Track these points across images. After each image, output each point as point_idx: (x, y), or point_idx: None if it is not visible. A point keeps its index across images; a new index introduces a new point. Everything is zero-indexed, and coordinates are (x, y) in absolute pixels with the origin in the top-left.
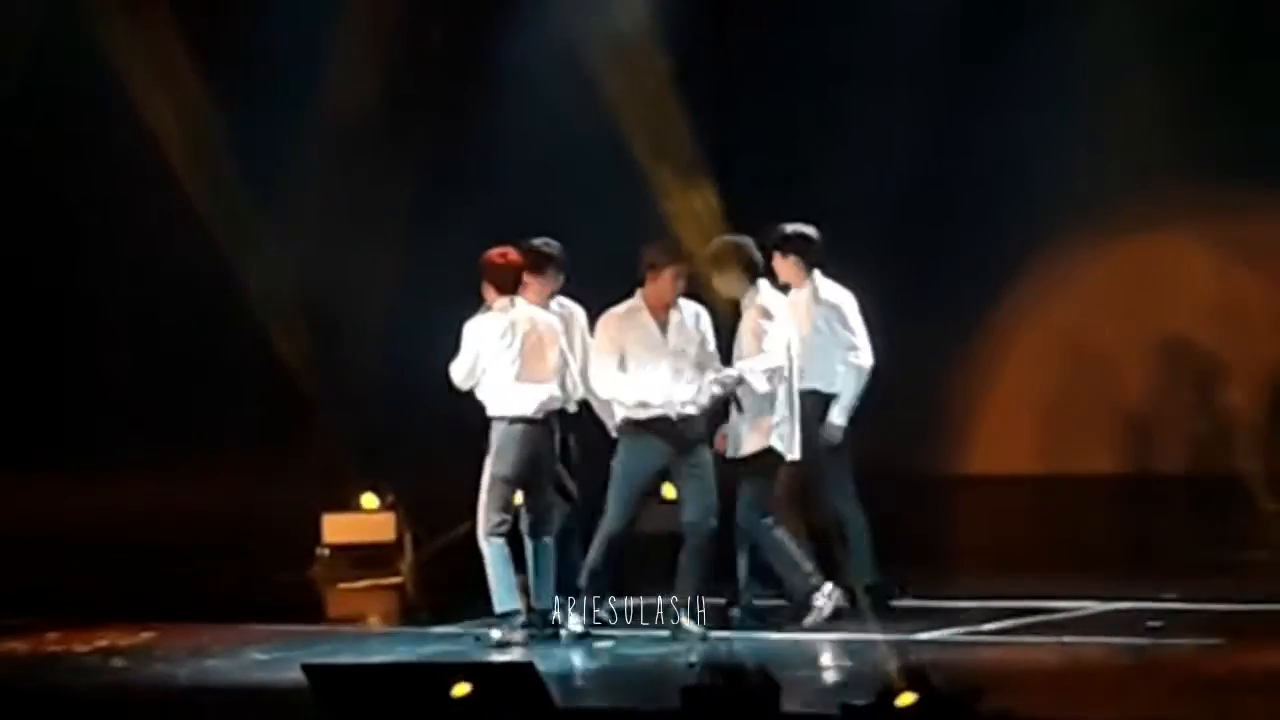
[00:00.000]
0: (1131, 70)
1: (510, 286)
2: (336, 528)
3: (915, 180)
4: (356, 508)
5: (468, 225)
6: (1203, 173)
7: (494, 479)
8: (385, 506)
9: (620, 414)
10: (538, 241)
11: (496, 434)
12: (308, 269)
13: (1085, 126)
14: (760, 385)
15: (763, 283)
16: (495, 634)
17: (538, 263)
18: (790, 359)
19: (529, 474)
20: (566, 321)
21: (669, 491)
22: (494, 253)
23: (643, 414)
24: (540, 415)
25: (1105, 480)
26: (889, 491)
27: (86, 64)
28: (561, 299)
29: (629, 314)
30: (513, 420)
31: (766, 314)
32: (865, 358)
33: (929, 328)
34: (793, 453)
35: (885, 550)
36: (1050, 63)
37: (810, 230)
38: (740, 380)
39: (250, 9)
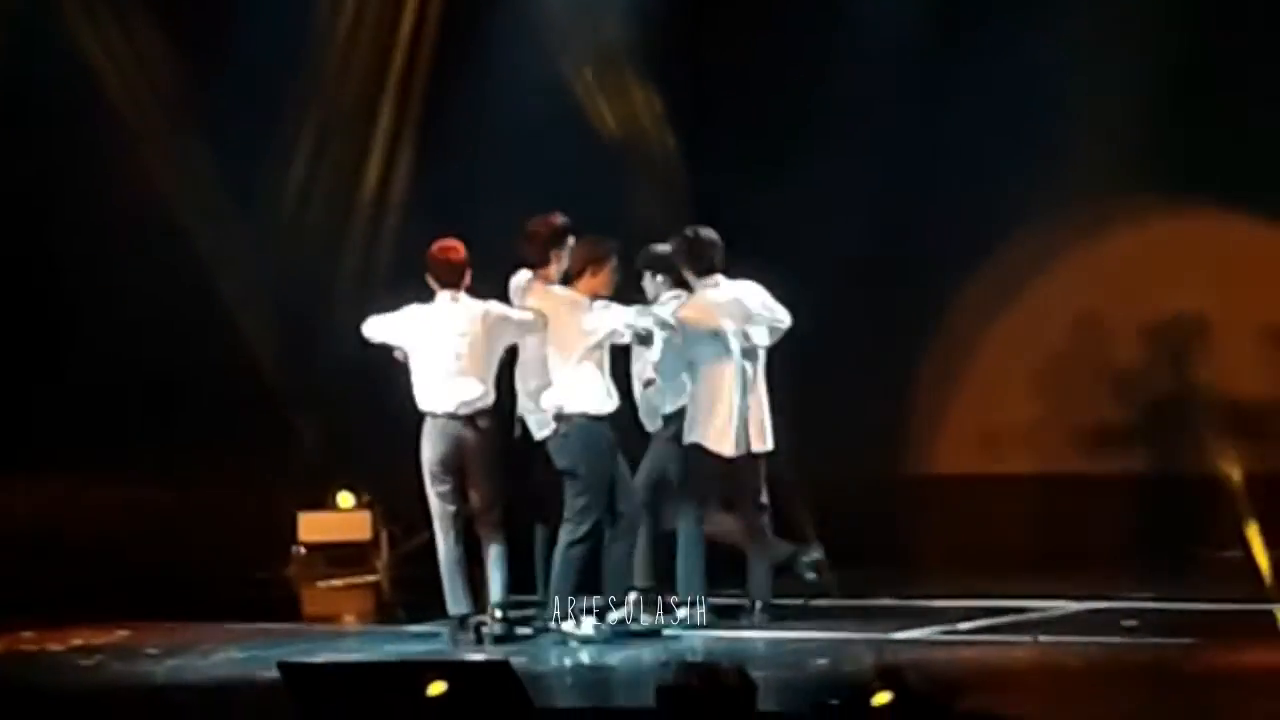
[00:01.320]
0: (1099, 73)
1: (454, 281)
2: (312, 526)
3: (885, 182)
4: (332, 506)
5: (445, 224)
6: (1169, 179)
7: (426, 474)
8: (361, 505)
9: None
10: (595, 238)
11: (425, 427)
12: (282, 269)
13: (1059, 123)
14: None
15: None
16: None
17: (601, 254)
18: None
19: (455, 471)
20: None
21: None
22: (436, 246)
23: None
24: (464, 412)
25: (1081, 480)
26: (865, 492)
27: (66, 66)
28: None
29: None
30: (435, 415)
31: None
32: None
33: (902, 327)
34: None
35: (866, 550)
36: (1014, 73)
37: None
38: None
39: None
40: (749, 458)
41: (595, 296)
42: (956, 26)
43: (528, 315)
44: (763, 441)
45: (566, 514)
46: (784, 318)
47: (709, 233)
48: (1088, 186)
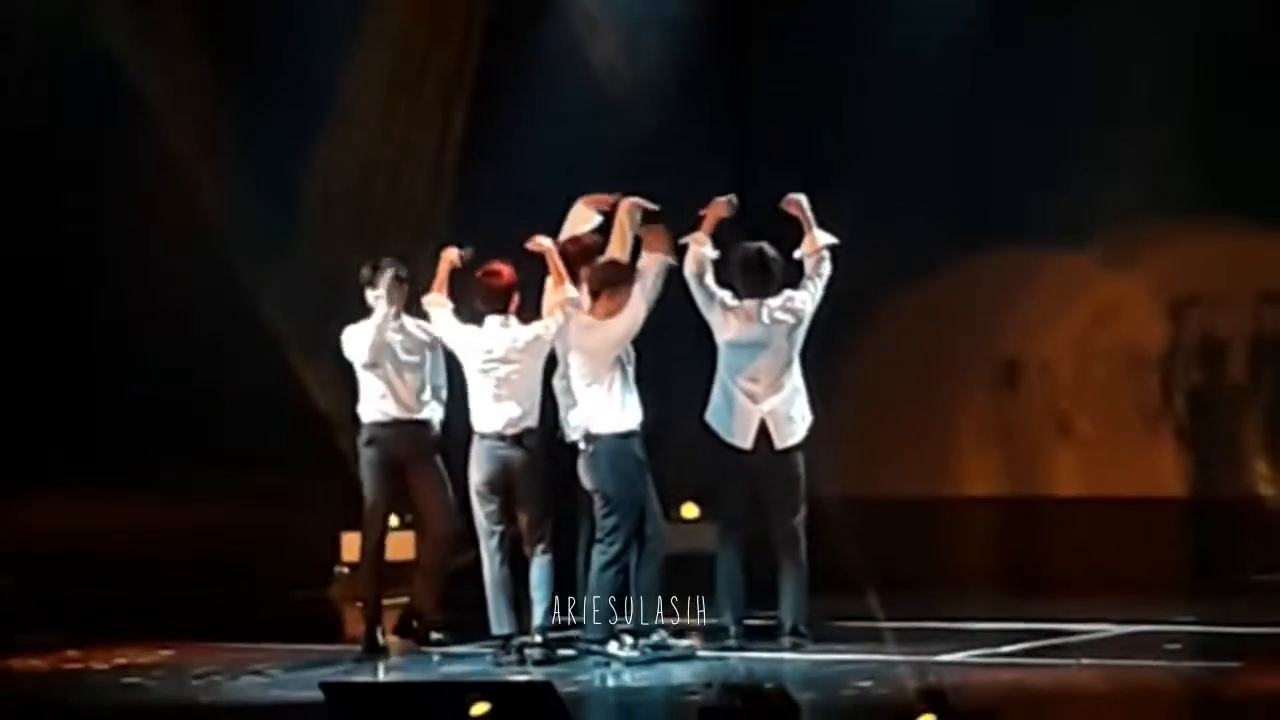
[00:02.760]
0: (1144, 89)
1: (501, 306)
2: (355, 546)
3: (926, 201)
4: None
5: (491, 243)
6: (1214, 198)
7: (473, 494)
8: (404, 525)
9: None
10: (614, 260)
11: (473, 448)
12: (328, 293)
13: (1080, 156)
14: None
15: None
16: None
17: (619, 278)
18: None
19: (502, 490)
20: None
21: (689, 510)
22: (480, 272)
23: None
24: (511, 432)
25: (1121, 503)
26: (905, 513)
27: (109, 92)
28: None
29: None
30: (483, 436)
31: None
32: None
33: (944, 348)
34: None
35: (906, 572)
36: (1049, 109)
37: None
38: None
39: (275, 36)
40: (771, 454)
41: (610, 318)
42: (1002, 42)
43: (550, 321)
44: (781, 439)
45: (598, 535)
46: (801, 306)
47: (765, 254)
48: (1130, 205)
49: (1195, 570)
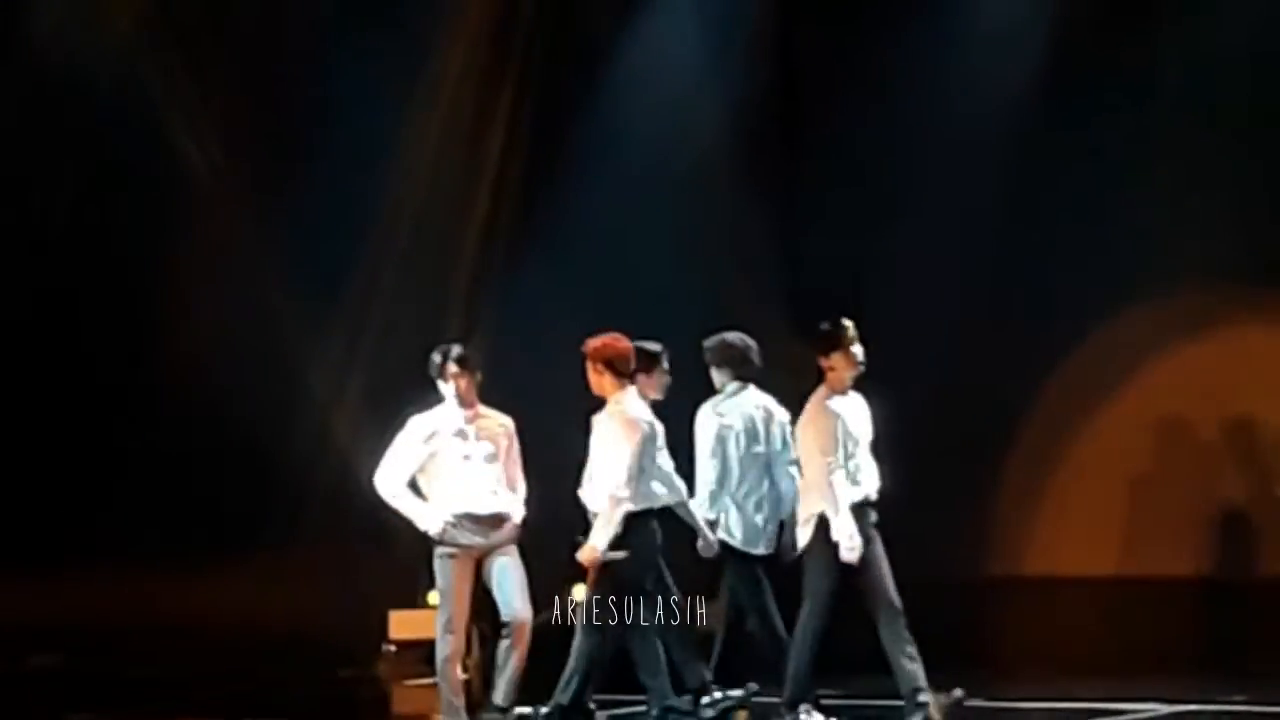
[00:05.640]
0: (1197, 163)
1: (630, 375)
2: (403, 624)
3: (975, 273)
4: (423, 604)
5: (538, 325)
6: (1264, 277)
7: None
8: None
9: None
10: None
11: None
12: (372, 365)
13: (1156, 218)
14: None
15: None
16: None
17: (648, 362)
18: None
19: None
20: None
21: None
22: (606, 340)
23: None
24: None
25: (1170, 583)
26: (951, 593)
27: (159, 157)
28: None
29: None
30: None
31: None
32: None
33: (988, 425)
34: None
35: (955, 652)
36: (1115, 161)
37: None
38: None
39: (323, 114)
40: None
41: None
42: (1056, 110)
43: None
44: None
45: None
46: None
47: (736, 339)
48: (1180, 283)
49: (1243, 650)
